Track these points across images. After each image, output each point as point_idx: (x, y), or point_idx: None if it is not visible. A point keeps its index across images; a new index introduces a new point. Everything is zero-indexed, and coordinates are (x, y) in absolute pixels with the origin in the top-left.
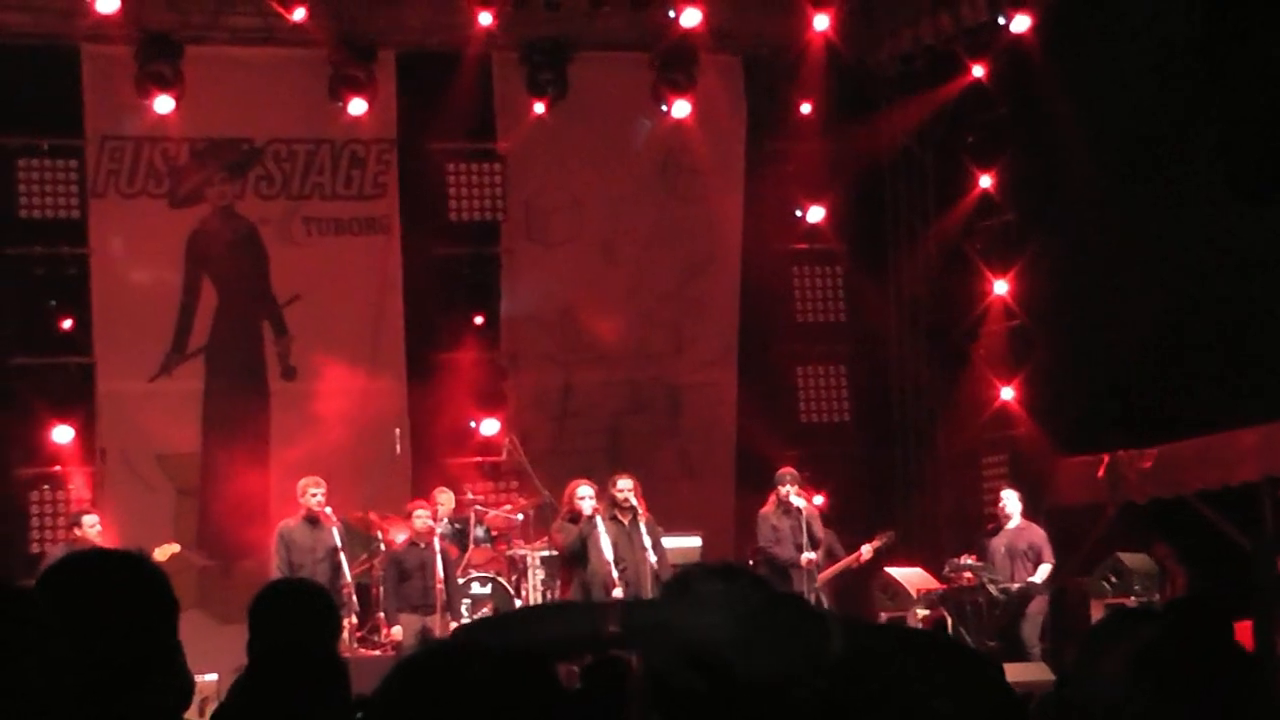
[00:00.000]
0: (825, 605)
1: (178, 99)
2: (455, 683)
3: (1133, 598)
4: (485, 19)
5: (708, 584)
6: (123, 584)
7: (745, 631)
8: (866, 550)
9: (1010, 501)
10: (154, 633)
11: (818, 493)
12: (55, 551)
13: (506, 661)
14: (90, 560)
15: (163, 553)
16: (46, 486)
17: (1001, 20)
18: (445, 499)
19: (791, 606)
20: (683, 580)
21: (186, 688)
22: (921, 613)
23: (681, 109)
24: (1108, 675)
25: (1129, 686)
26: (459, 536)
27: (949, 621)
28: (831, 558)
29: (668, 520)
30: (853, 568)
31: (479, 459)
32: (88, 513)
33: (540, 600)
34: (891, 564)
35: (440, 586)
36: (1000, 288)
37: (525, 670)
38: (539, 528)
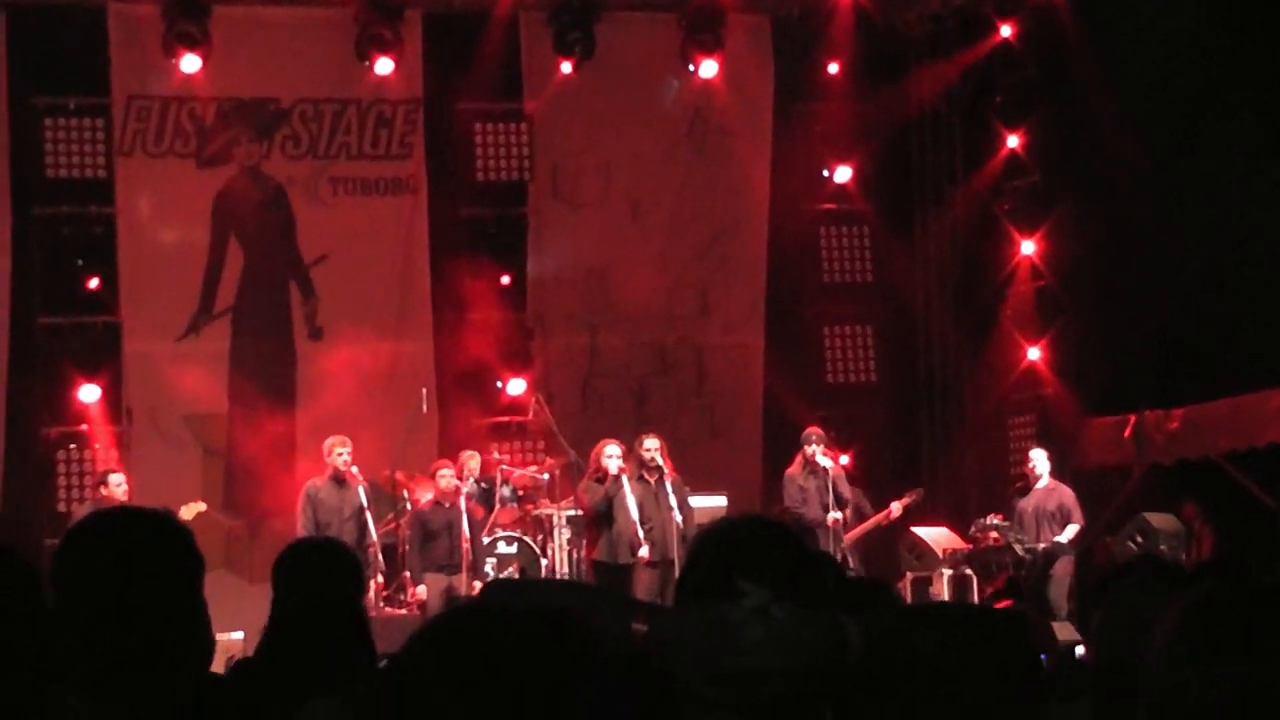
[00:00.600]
0: (851, 565)
1: (204, 59)
2: (481, 641)
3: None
4: None
5: (736, 592)
6: (147, 542)
7: (771, 652)
8: (896, 508)
9: (1040, 461)
10: (178, 591)
11: (843, 453)
12: (81, 510)
13: (534, 621)
14: (115, 518)
15: (189, 511)
16: (73, 446)
17: None
18: (473, 463)
19: (814, 620)
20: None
21: (208, 646)
22: (947, 572)
23: (709, 69)
24: (1151, 635)
25: (1177, 646)
26: (485, 496)
27: (1019, 586)
28: (860, 516)
29: (695, 481)
30: (882, 525)
31: (505, 419)
32: (114, 472)
33: (566, 560)
34: (918, 524)
35: (466, 546)
36: (1027, 248)
37: (552, 631)
38: (565, 487)
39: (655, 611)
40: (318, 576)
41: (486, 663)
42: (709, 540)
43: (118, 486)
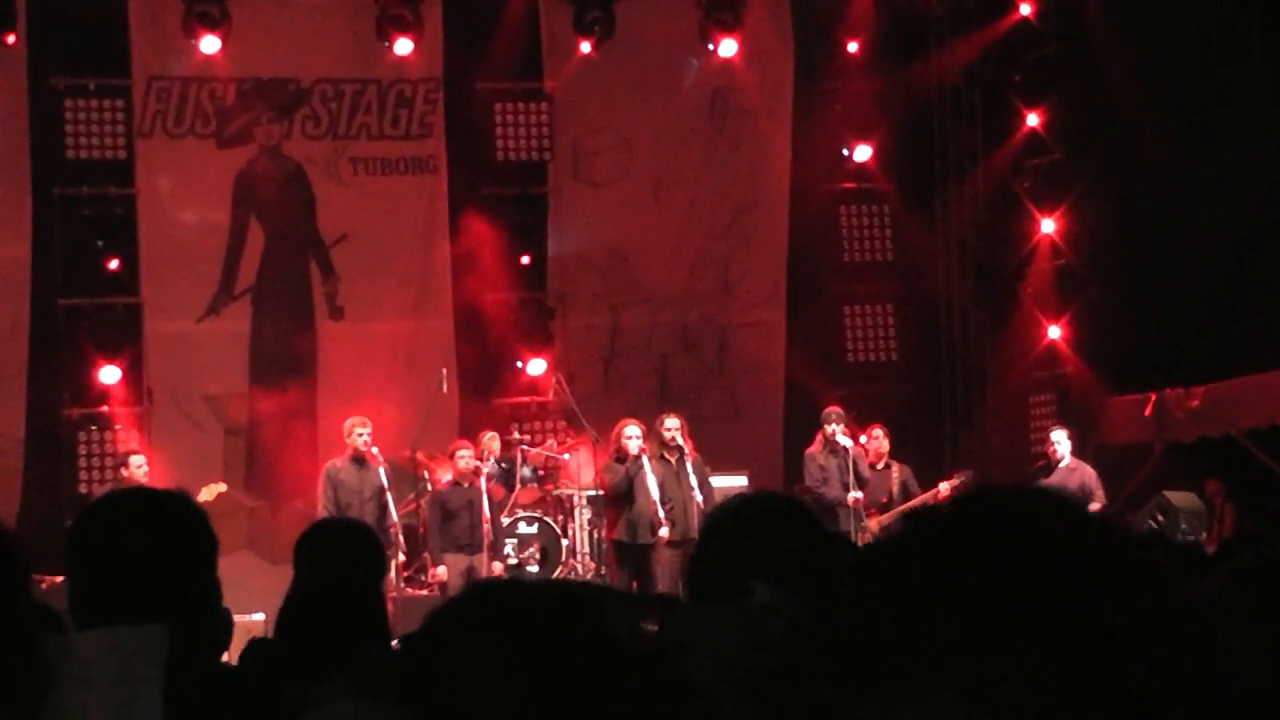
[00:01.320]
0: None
1: (224, 39)
2: (500, 617)
3: (1179, 537)
4: None
5: (749, 593)
6: (162, 522)
7: (785, 654)
8: (945, 488)
9: (1061, 442)
10: (192, 571)
11: (863, 432)
12: (102, 492)
13: (554, 598)
14: (130, 498)
15: (209, 493)
16: (94, 427)
17: None
18: (494, 443)
19: (825, 621)
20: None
21: (226, 627)
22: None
23: (729, 48)
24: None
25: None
26: (506, 476)
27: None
28: (906, 495)
29: (716, 460)
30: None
31: (525, 399)
32: (135, 453)
33: (587, 540)
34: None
35: (486, 526)
36: (1048, 226)
37: (574, 608)
38: (586, 467)
39: (667, 610)
40: (340, 558)
41: (505, 639)
42: (720, 523)
43: (139, 468)
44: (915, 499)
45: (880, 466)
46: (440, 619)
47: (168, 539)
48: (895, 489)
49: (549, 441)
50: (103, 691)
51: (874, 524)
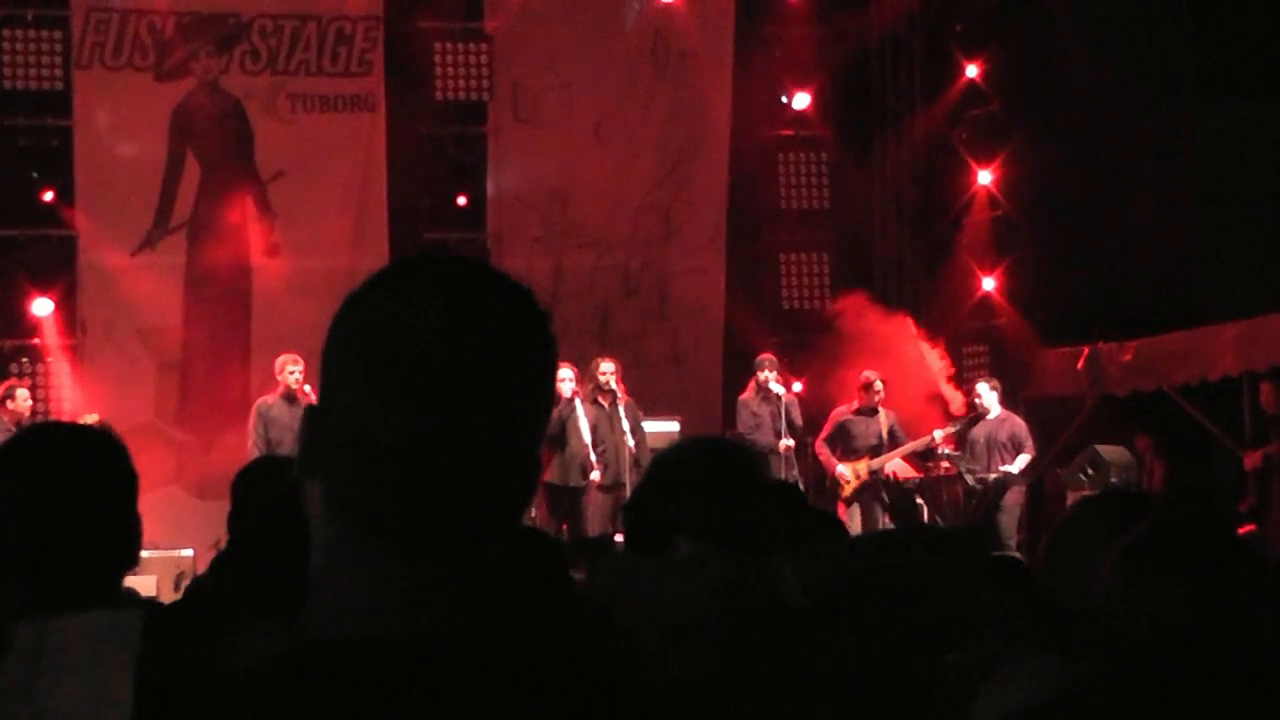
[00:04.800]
0: (802, 490)
1: None
2: None
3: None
4: None
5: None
6: (83, 455)
7: (716, 605)
8: (939, 435)
9: (985, 394)
10: (113, 504)
11: (797, 379)
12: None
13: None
14: (51, 432)
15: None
16: (25, 359)
17: None
18: None
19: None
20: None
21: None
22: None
23: None
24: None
25: (1117, 576)
26: None
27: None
28: (895, 440)
29: (657, 406)
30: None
31: None
32: (20, 385)
33: None
34: None
35: None
36: (985, 177)
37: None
38: None
39: (593, 559)
40: (276, 497)
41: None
42: (656, 473)
43: (24, 401)
44: (905, 444)
45: (869, 413)
46: None
47: (90, 472)
48: (885, 433)
49: None
50: (77, 676)
51: (863, 467)
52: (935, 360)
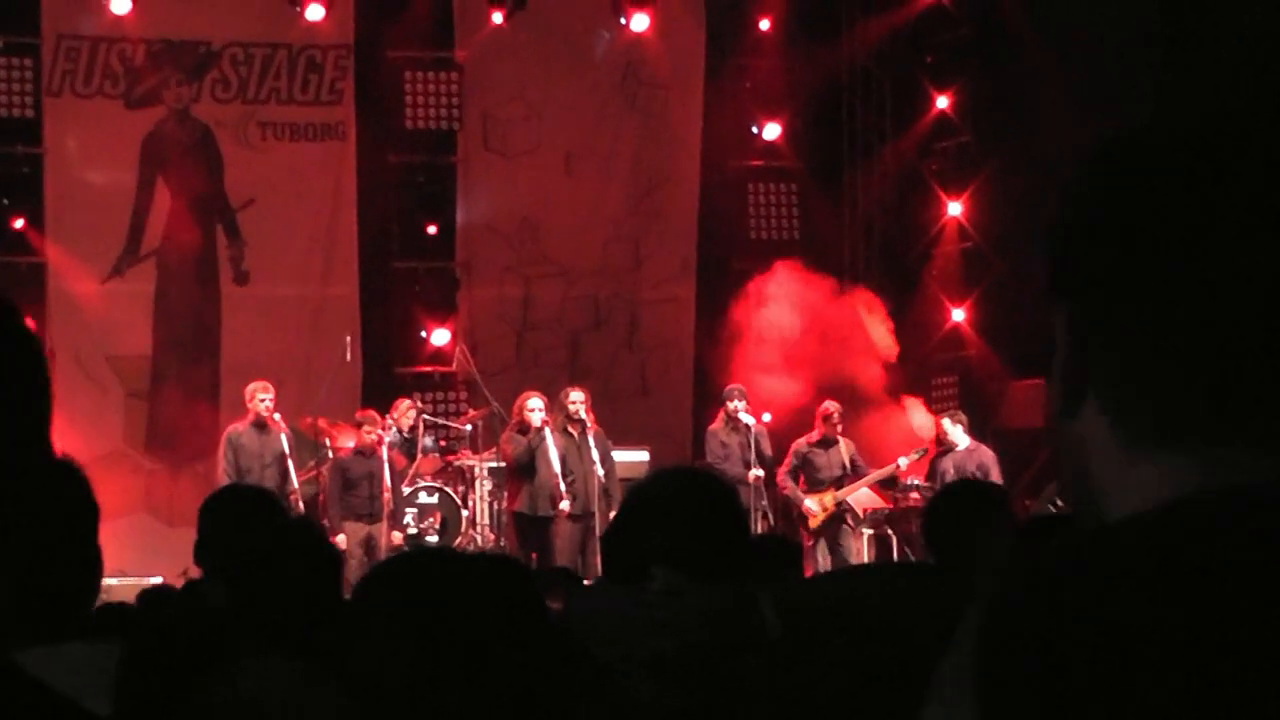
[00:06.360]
0: (773, 523)
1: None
2: (431, 580)
3: None
4: None
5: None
6: (44, 487)
7: (695, 634)
8: (904, 463)
9: (950, 430)
10: (74, 537)
11: (766, 410)
12: None
13: (483, 562)
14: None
15: None
16: None
17: None
18: (410, 413)
19: (726, 598)
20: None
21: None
22: (868, 532)
23: (641, 22)
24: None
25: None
26: (407, 445)
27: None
28: (856, 471)
29: (627, 436)
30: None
31: (429, 369)
32: None
33: (487, 511)
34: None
35: (387, 495)
36: (955, 209)
37: (503, 570)
38: (487, 439)
39: (570, 588)
40: (242, 526)
41: (437, 601)
42: (632, 504)
43: None
44: (870, 474)
45: (830, 444)
46: (368, 586)
47: (49, 507)
48: (848, 463)
49: (448, 418)
50: None
51: (829, 499)
52: (882, 335)
